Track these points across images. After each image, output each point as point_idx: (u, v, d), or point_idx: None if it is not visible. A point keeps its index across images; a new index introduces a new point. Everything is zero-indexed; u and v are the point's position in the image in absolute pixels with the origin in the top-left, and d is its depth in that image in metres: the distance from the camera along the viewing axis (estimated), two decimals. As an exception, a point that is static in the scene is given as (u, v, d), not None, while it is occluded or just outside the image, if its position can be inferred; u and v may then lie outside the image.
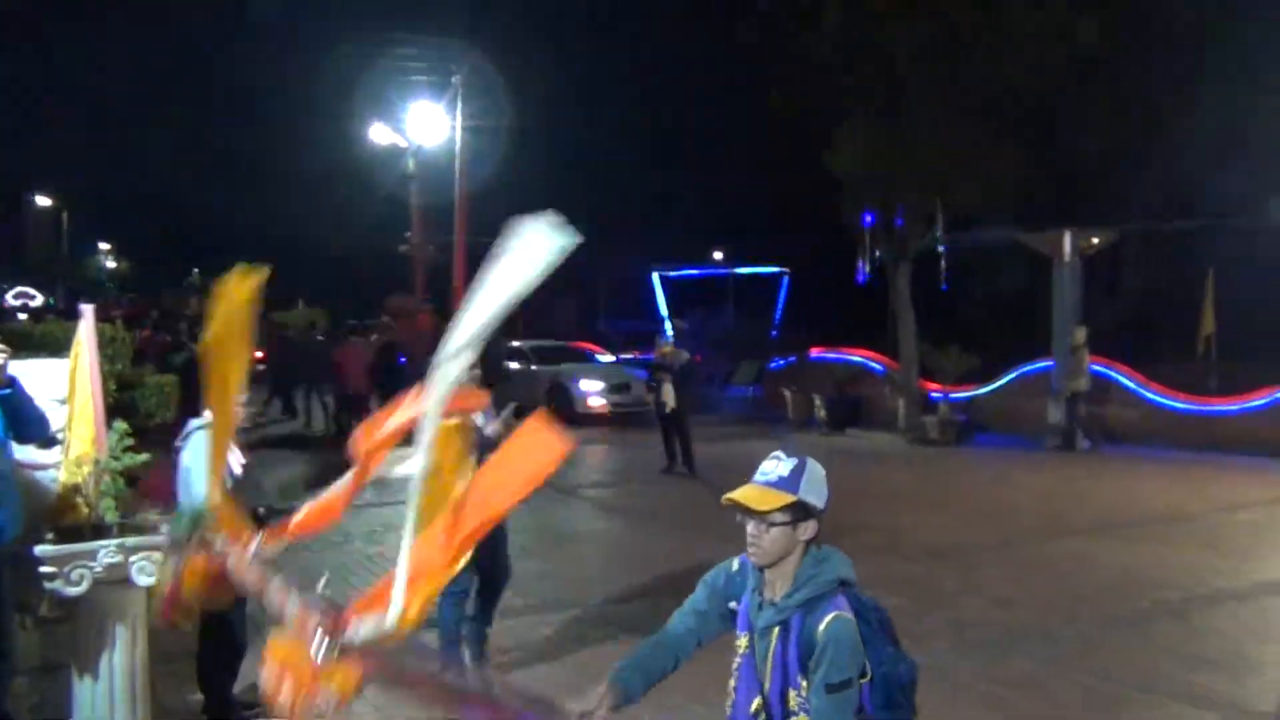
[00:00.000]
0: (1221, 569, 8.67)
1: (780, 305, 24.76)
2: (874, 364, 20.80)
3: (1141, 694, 5.91)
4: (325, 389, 18.28)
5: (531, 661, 6.45)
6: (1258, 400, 15.93)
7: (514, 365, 20.22)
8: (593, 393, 19.17)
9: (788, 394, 20.34)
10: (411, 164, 25.22)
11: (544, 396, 18.97)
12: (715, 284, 27.05)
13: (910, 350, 19.00)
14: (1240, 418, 16.03)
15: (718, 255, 32.06)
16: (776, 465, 2.75)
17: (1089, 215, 18.58)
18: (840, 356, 21.42)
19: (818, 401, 19.40)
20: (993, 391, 18.62)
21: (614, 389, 19.30)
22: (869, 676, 2.69)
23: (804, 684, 2.66)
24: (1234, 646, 6.70)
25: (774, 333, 23.82)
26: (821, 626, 2.63)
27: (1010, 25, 16.21)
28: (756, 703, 2.75)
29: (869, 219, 18.71)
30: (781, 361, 21.88)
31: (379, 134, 25.62)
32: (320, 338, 21.92)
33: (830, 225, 19.99)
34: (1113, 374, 17.71)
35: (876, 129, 17.43)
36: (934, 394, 18.93)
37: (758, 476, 2.77)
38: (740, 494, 2.73)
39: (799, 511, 2.71)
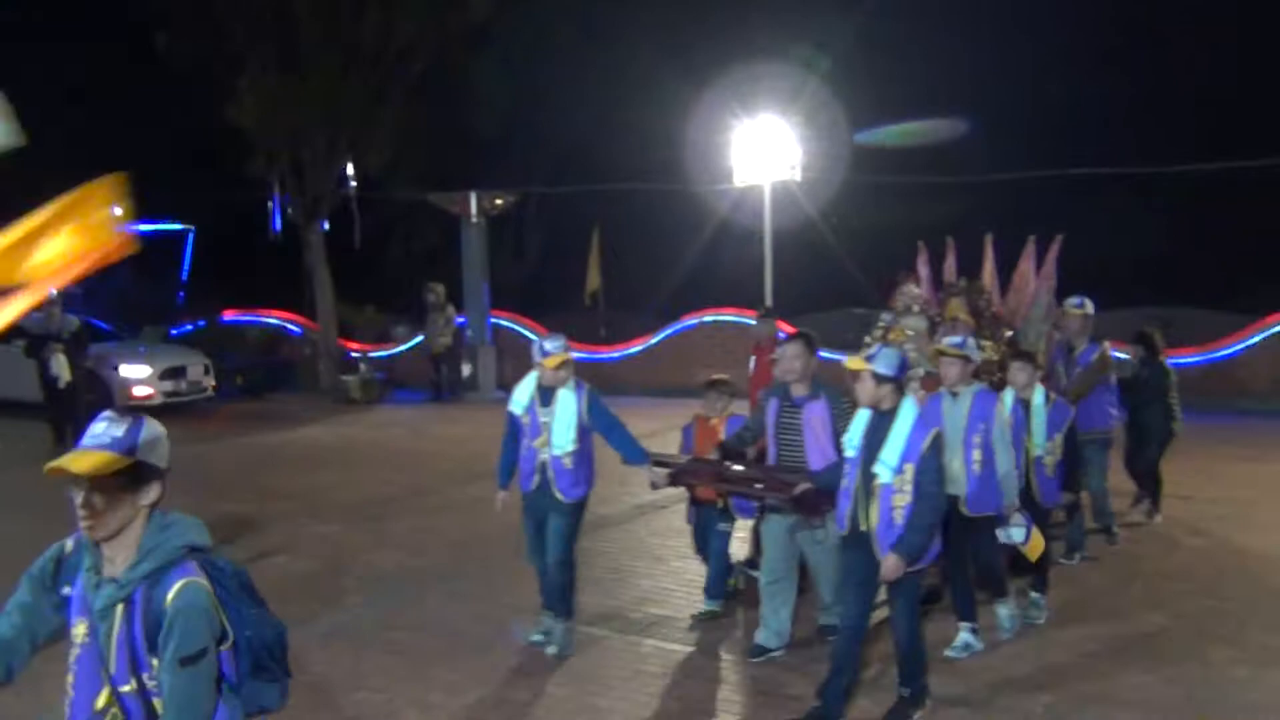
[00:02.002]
0: (604, 497, 9.70)
1: (186, 265, 22.98)
2: (292, 325, 20.26)
3: (527, 615, 6.45)
4: None
5: None
6: (635, 347, 18.18)
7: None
8: (138, 379, 15.49)
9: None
10: None
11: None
12: (108, 242, 24.20)
13: (328, 310, 18.78)
14: (623, 363, 18.18)
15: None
16: (107, 426, 2.49)
17: (494, 177, 19.65)
18: (255, 319, 20.54)
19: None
20: (409, 349, 19.07)
21: (167, 374, 15.79)
22: (230, 642, 2.52)
23: (155, 664, 2.42)
24: (612, 564, 7.57)
25: (180, 295, 22.10)
26: (170, 595, 2.40)
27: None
28: (104, 696, 2.46)
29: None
30: (190, 326, 20.40)
31: None
32: None
33: (239, 180, 18.95)
34: (516, 327, 19.07)
35: (276, 81, 16.81)
36: (353, 353, 18.95)
37: (86, 440, 2.47)
38: (66, 461, 2.41)
39: (138, 474, 2.47)
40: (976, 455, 5.75)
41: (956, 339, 6.02)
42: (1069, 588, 7.00)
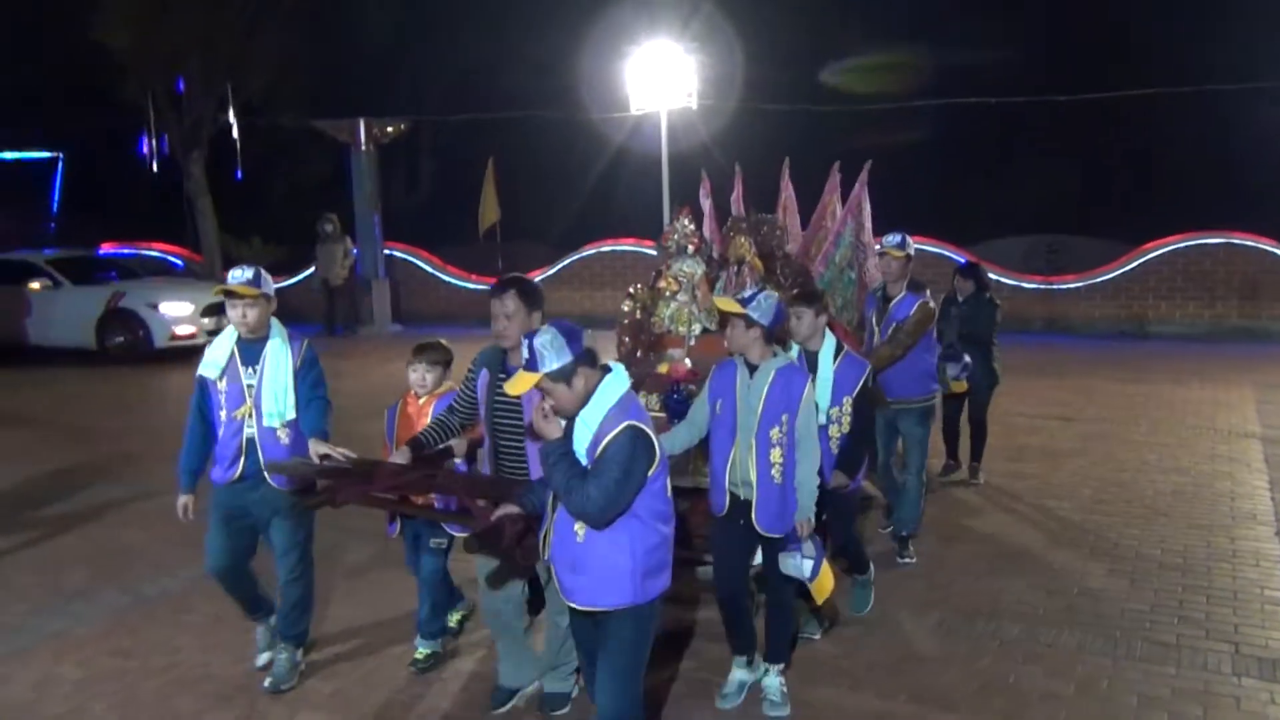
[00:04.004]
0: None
1: (56, 194, 21.74)
2: (174, 258, 19.49)
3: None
4: None
5: None
6: (533, 278, 17.96)
7: (34, 286, 14.53)
8: (181, 318, 14.41)
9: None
10: None
11: (98, 326, 14.35)
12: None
13: (211, 242, 18.09)
14: (521, 293, 17.99)
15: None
16: None
17: (384, 104, 19.05)
18: (134, 251, 19.67)
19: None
20: (299, 282, 18.54)
21: (208, 311, 14.55)
22: None
23: None
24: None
25: (51, 226, 20.97)
26: None
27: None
28: None
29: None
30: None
31: None
32: None
33: (112, 104, 17.98)
34: (412, 258, 18.69)
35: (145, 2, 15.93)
36: (240, 287, 18.32)
37: None
38: None
39: None
40: (776, 457, 4.28)
41: (749, 293, 4.38)
42: (955, 508, 7.22)
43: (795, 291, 5.53)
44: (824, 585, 4.42)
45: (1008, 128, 18.53)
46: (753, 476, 4.30)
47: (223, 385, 4.54)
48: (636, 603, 3.46)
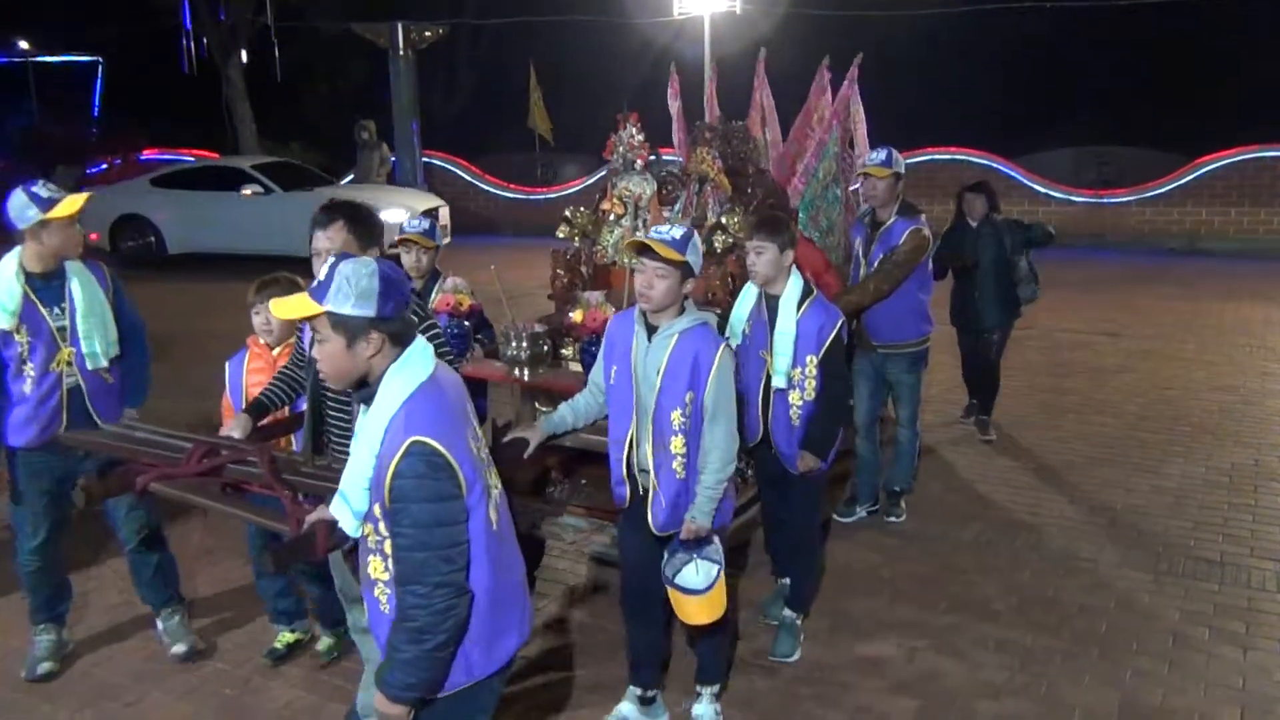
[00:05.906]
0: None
1: (97, 99, 21.72)
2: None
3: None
4: None
5: None
6: (574, 187, 17.88)
7: (245, 193, 14.35)
8: (399, 224, 14.00)
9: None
10: None
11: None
12: (6, 75, 22.63)
13: (250, 147, 18.07)
14: (561, 203, 17.87)
15: (24, 44, 27.16)
16: None
17: (422, 8, 18.74)
18: (175, 156, 19.68)
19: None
20: (348, 185, 18.51)
21: (425, 215, 14.35)
22: None
23: None
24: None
25: (93, 131, 21.00)
26: None
27: None
28: None
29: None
30: (104, 165, 19.49)
31: None
32: None
33: (149, 7, 17.87)
34: (451, 166, 18.59)
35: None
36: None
37: None
38: None
39: None
40: (678, 446, 3.30)
41: (665, 231, 3.24)
42: (997, 422, 7.16)
43: (753, 220, 4.34)
44: (716, 602, 3.35)
45: (1061, 32, 17.92)
46: (651, 465, 3.38)
47: (22, 336, 3.77)
48: (461, 686, 2.47)
